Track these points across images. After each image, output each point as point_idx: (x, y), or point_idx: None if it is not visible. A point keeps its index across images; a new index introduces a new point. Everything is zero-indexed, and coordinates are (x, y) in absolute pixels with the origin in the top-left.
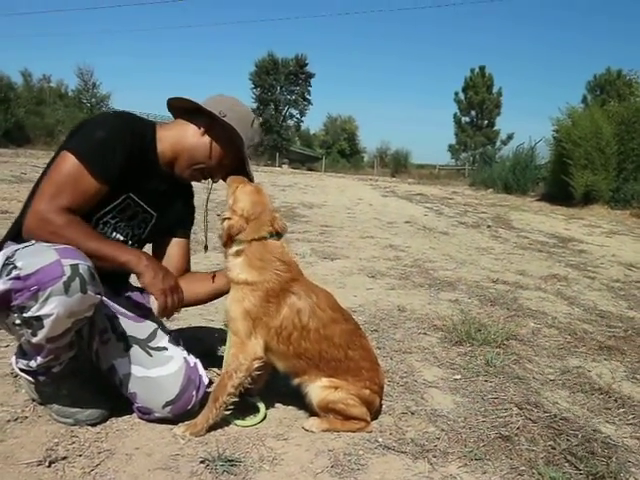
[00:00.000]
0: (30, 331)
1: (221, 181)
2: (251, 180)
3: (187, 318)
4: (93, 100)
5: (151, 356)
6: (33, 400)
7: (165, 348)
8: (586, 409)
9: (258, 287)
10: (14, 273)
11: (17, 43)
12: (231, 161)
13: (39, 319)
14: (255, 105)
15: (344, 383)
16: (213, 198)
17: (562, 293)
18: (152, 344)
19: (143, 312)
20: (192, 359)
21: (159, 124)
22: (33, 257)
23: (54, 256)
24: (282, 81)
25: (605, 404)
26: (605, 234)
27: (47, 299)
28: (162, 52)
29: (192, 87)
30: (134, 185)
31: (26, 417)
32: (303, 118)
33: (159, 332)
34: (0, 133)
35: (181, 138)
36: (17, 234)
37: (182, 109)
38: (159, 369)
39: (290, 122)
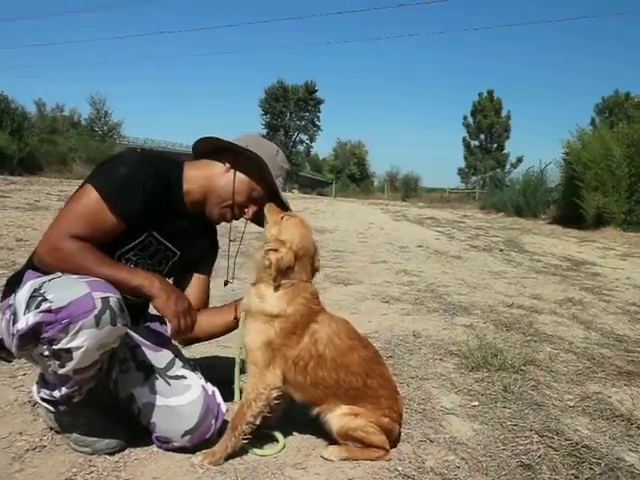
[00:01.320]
0: (58, 362)
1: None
2: (287, 209)
3: (202, 345)
4: (105, 128)
5: (170, 385)
6: (51, 429)
7: (184, 377)
8: (608, 436)
9: (288, 320)
10: (44, 306)
11: (31, 73)
12: (261, 193)
13: (69, 351)
14: (265, 131)
15: (363, 410)
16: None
17: (578, 317)
18: (170, 373)
19: (161, 341)
20: (210, 387)
21: (187, 163)
22: (64, 290)
23: (85, 289)
24: (292, 107)
25: (627, 431)
26: (619, 257)
27: (78, 332)
28: (173, 79)
29: (203, 114)
30: (157, 224)
31: (44, 446)
32: (313, 143)
33: (177, 361)
34: (14, 162)
35: (208, 178)
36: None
37: (208, 148)
38: (178, 398)
39: (300, 147)
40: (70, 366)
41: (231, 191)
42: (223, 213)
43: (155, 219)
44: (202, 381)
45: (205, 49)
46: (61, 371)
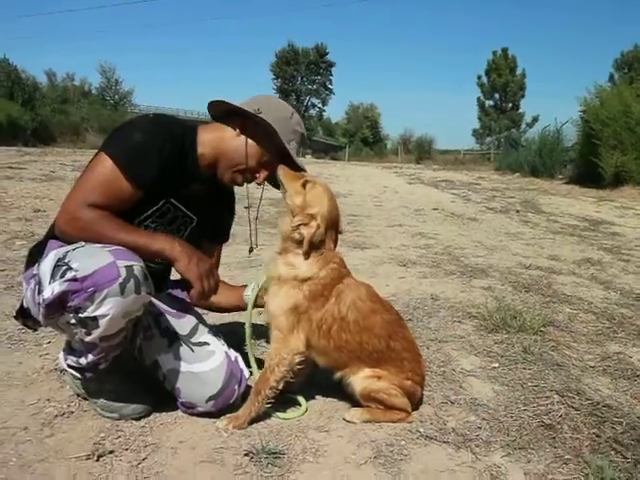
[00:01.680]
0: (84, 330)
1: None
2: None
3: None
4: (116, 97)
5: (193, 351)
6: (78, 395)
7: (207, 343)
8: (629, 395)
9: (319, 282)
10: (70, 274)
11: (40, 43)
12: (271, 158)
13: (95, 319)
14: (277, 96)
15: (386, 373)
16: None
17: (597, 277)
18: (194, 339)
19: (184, 307)
20: (233, 353)
21: (201, 127)
22: (88, 259)
23: (109, 258)
24: (303, 71)
25: None
26: (638, 216)
27: (103, 300)
28: (182, 47)
29: (214, 81)
30: (174, 190)
31: (72, 412)
32: (325, 107)
33: (200, 327)
34: (27, 132)
35: (220, 141)
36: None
37: (220, 112)
38: (201, 364)
39: (312, 112)
40: (96, 334)
41: (242, 155)
42: (234, 177)
43: (172, 185)
44: (225, 347)
45: (214, 13)
46: (88, 339)
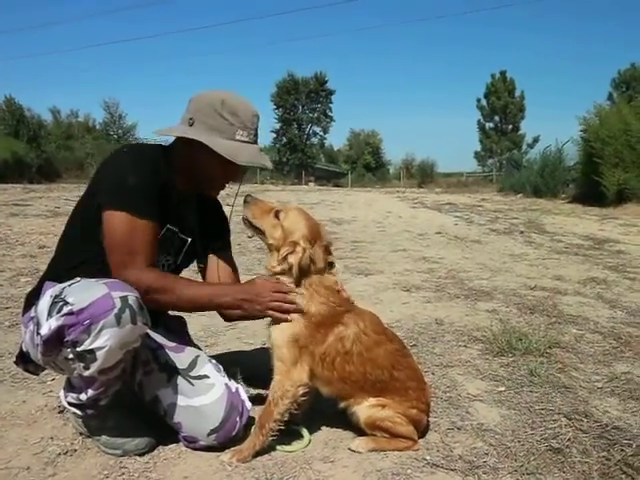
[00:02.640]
0: (83, 365)
1: None
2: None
3: (225, 342)
4: (120, 131)
5: (193, 385)
6: (81, 434)
7: (206, 376)
8: (638, 417)
9: (313, 319)
10: (66, 309)
11: (45, 81)
12: (216, 170)
13: (92, 352)
14: (278, 125)
15: (391, 401)
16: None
17: (602, 296)
18: (193, 373)
19: (182, 341)
20: (233, 385)
21: (170, 150)
22: (83, 292)
23: (104, 290)
24: (303, 100)
25: None
26: None
27: (100, 332)
28: (183, 80)
29: None
30: (168, 215)
31: (75, 450)
32: (326, 135)
33: (199, 360)
34: (33, 170)
35: (180, 161)
36: (58, 275)
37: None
38: (201, 397)
39: (314, 140)
40: (95, 367)
41: (201, 170)
42: (208, 190)
43: (166, 210)
44: (225, 379)
45: (213, 48)
46: (86, 373)
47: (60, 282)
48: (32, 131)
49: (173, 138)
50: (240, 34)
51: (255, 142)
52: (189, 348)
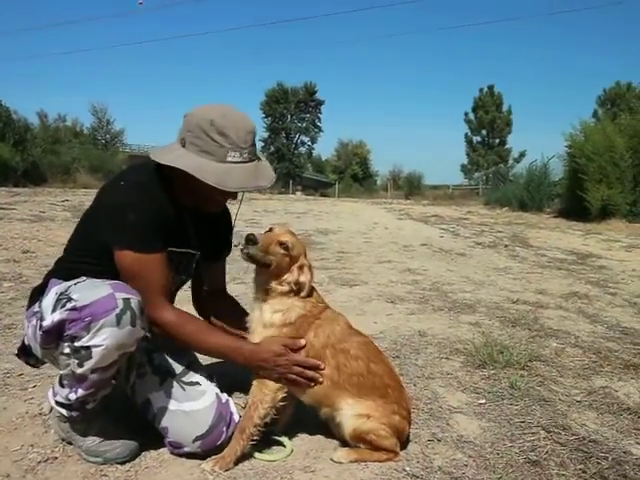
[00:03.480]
0: (77, 361)
1: None
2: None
3: None
4: (107, 136)
5: (184, 390)
6: (62, 440)
7: (198, 383)
8: (615, 430)
9: (295, 326)
10: (70, 305)
11: (32, 84)
12: (212, 192)
13: (88, 349)
14: (267, 134)
15: (374, 409)
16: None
17: (584, 311)
18: (185, 379)
19: (178, 346)
20: (224, 396)
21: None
22: (88, 290)
23: (108, 290)
24: (292, 109)
25: (635, 424)
26: (624, 248)
27: (99, 330)
28: (173, 86)
29: None
30: (176, 236)
31: (56, 457)
32: (314, 145)
33: (193, 367)
34: (18, 173)
35: (180, 183)
36: (64, 273)
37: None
38: (191, 403)
39: (302, 149)
40: (89, 365)
41: (197, 193)
42: (204, 208)
43: (173, 234)
44: (216, 389)
45: (203, 54)
46: (79, 370)
47: (65, 280)
48: (18, 134)
49: None
50: (230, 41)
51: (251, 160)
52: (184, 354)
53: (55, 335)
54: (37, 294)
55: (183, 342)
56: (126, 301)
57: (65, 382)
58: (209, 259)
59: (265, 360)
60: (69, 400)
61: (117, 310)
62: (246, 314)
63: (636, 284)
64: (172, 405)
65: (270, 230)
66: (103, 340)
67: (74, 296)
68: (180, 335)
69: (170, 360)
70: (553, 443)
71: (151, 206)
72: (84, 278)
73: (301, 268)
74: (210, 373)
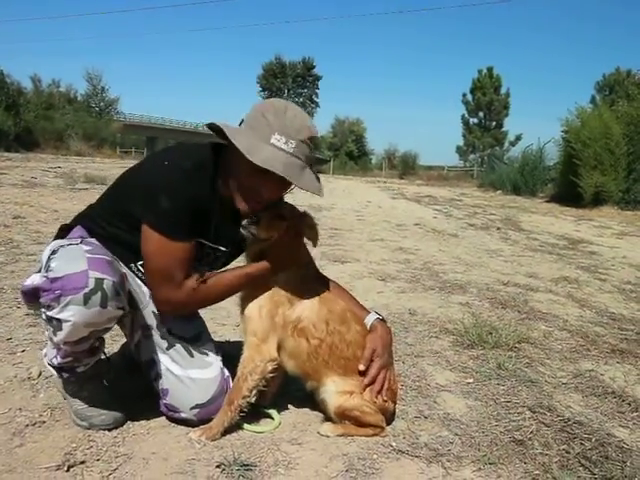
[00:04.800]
0: (52, 329)
1: None
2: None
3: (212, 328)
4: (102, 104)
5: (192, 357)
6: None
7: (207, 353)
8: (599, 413)
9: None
10: (46, 272)
11: (27, 48)
12: (249, 177)
13: (59, 321)
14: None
15: (357, 387)
16: None
17: (573, 295)
18: (194, 346)
19: (192, 314)
20: (227, 372)
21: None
22: (65, 262)
23: (83, 266)
24: (290, 84)
25: (619, 408)
26: (615, 235)
27: (66, 306)
28: (169, 57)
29: (202, 92)
30: (208, 229)
31: (44, 422)
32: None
33: (204, 336)
34: (10, 138)
35: (225, 168)
36: (95, 228)
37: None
38: (198, 371)
39: None
40: (60, 336)
41: (234, 175)
42: (237, 199)
43: (201, 226)
44: (221, 363)
45: (201, 24)
46: (54, 339)
47: (89, 232)
48: (11, 98)
49: None
50: (229, 12)
51: (297, 157)
52: (197, 321)
53: (32, 297)
54: (61, 232)
55: (209, 296)
56: (98, 281)
57: (50, 345)
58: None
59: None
60: (53, 363)
61: (86, 290)
62: None
63: (626, 271)
64: (177, 370)
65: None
66: (70, 316)
67: (52, 264)
68: (204, 292)
69: (181, 325)
70: (538, 423)
71: (189, 195)
72: (78, 241)
73: (299, 231)
74: (217, 346)
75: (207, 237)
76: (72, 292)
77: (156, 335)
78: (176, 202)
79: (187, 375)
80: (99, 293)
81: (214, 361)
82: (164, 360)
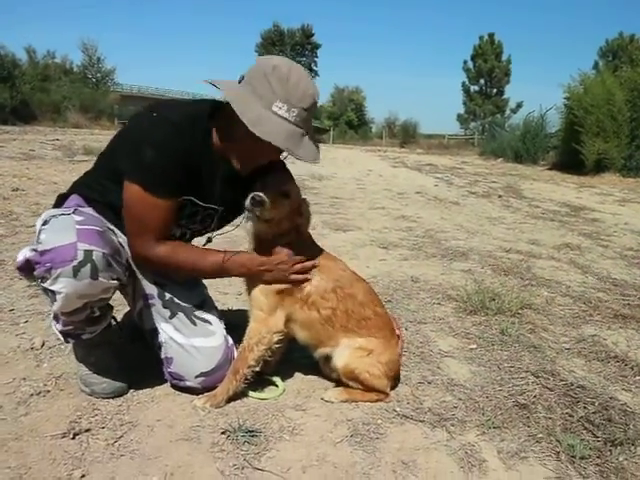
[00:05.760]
0: (49, 299)
1: None
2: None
3: (215, 296)
4: (98, 75)
5: (195, 325)
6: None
7: (209, 322)
8: (602, 377)
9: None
10: (36, 245)
11: (20, 18)
12: (244, 140)
13: (53, 292)
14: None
15: (375, 344)
16: None
17: (575, 262)
18: (197, 315)
19: (194, 282)
20: (230, 340)
21: (211, 113)
22: (54, 234)
23: (72, 238)
24: (288, 52)
25: (621, 372)
26: (617, 202)
27: (57, 278)
28: (165, 27)
29: (198, 61)
30: (193, 188)
31: (48, 391)
32: None
33: (207, 304)
34: (7, 110)
35: (221, 120)
36: (90, 191)
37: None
38: (202, 339)
39: None
40: (56, 307)
41: (231, 136)
42: (233, 160)
43: (192, 184)
44: (225, 331)
45: None
46: (53, 308)
47: (87, 199)
48: (6, 70)
49: None
50: None
51: (297, 125)
52: (200, 289)
53: (27, 270)
54: (60, 199)
55: (180, 270)
56: (87, 253)
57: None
58: (235, 217)
59: (263, 263)
60: (57, 329)
61: (75, 262)
62: None
63: (628, 237)
64: (181, 339)
65: (265, 175)
66: (62, 288)
67: (42, 237)
68: (174, 264)
69: (185, 292)
70: (541, 388)
71: (176, 148)
72: (70, 211)
73: (299, 209)
74: (221, 314)
75: (198, 194)
76: (61, 265)
77: (158, 304)
78: (161, 156)
79: (191, 344)
80: (88, 265)
81: (217, 329)
82: (167, 329)
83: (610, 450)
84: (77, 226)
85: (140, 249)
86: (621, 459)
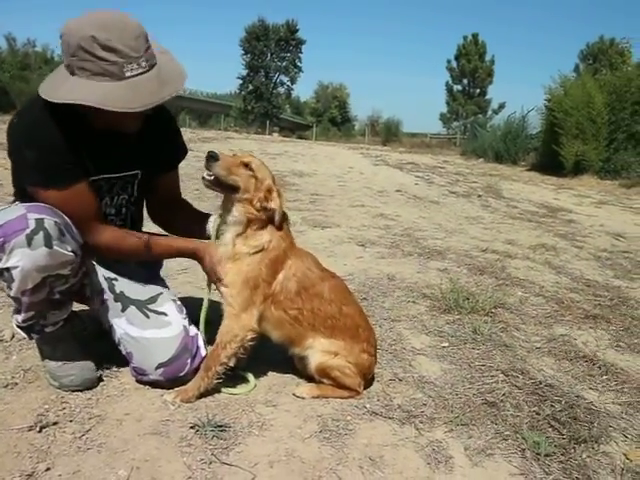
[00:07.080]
0: (6, 284)
1: None
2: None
3: (176, 287)
4: None
5: (148, 317)
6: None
7: (165, 313)
8: (570, 376)
9: (269, 254)
10: None
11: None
12: (121, 116)
13: (8, 271)
14: (246, 72)
15: (343, 347)
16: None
17: (550, 262)
18: (152, 307)
19: (151, 275)
20: (193, 330)
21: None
22: (4, 213)
23: (21, 211)
24: (272, 47)
25: (589, 371)
26: (594, 204)
27: (12, 251)
28: (148, 17)
29: (183, 55)
30: (98, 165)
31: (16, 384)
32: (294, 85)
33: (162, 297)
34: None
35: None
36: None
37: None
38: (155, 331)
39: (280, 89)
40: (15, 288)
41: (107, 119)
42: (121, 130)
43: (94, 162)
44: (185, 322)
45: None
46: (11, 293)
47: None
48: None
49: None
50: None
51: (151, 67)
52: (154, 285)
53: None
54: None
55: (131, 256)
56: (39, 221)
57: (14, 305)
58: (164, 170)
59: (210, 261)
60: (19, 322)
61: (27, 231)
62: (207, 217)
63: (602, 239)
64: (134, 332)
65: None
66: (17, 261)
67: None
68: (124, 250)
69: (137, 286)
70: (510, 386)
71: (49, 140)
72: (17, 203)
73: (269, 192)
74: (181, 306)
75: (90, 169)
76: (14, 236)
77: (110, 299)
78: (39, 151)
79: (143, 336)
80: (41, 233)
81: (173, 320)
82: (121, 323)
83: (574, 447)
84: (25, 204)
85: (93, 239)
86: (584, 456)
